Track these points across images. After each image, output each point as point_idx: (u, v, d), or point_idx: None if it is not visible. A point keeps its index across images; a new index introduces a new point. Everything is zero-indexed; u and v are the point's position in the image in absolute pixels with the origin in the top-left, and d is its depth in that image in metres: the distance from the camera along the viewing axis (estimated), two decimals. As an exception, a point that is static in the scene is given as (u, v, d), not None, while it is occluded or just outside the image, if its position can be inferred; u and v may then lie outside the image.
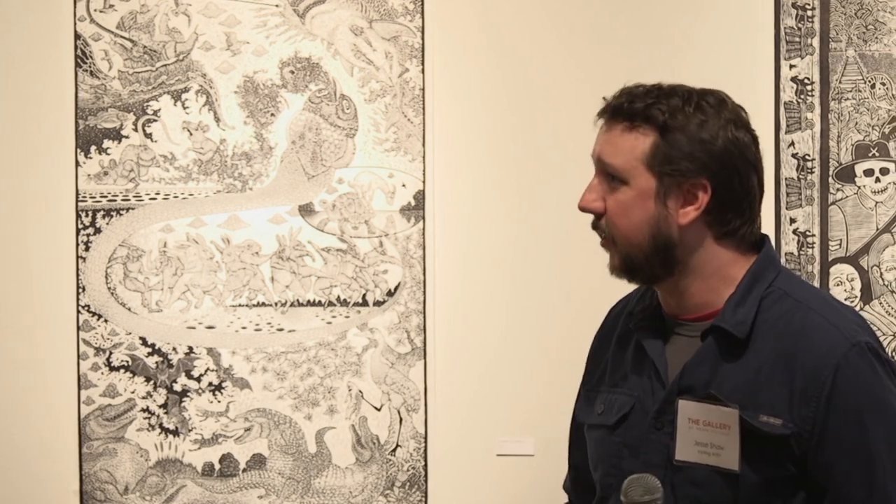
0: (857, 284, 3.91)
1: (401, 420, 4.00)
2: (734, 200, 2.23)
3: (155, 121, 4.02)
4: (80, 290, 4.01)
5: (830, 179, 3.91)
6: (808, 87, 3.91)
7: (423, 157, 4.00)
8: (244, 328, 4.01)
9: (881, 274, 3.90)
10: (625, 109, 2.22)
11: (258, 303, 4.00)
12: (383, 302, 4.01)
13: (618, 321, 2.41)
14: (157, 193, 4.02)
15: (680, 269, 2.24)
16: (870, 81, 3.90)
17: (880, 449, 2.15)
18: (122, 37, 4.02)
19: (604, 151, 2.24)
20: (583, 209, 2.26)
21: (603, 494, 2.32)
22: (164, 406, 4.02)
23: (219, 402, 4.02)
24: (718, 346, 2.21)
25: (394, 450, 4.02)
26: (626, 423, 2.28)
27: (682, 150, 2.20)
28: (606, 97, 2.28)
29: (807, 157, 3.90)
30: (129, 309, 4.02)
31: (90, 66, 4.01)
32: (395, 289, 4.01)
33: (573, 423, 2.50)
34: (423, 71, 4.00)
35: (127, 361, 4.01)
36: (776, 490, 2.18)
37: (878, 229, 3.91)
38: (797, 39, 3.91)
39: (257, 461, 4.02)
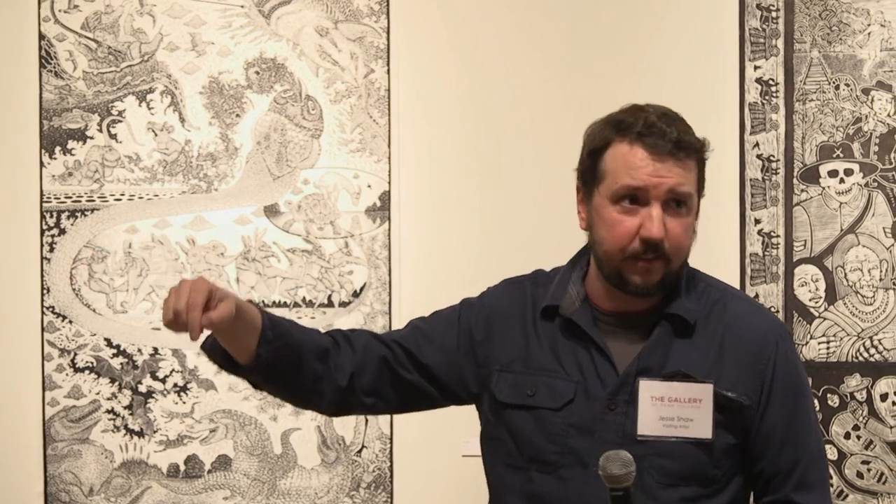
0: (822, 285, 3.92)
1: (366, 421, 4.00)
2: None
3: (120, 121, 4.01)
4: (45, 292, 4.01)
5: (795, 180, 3.92)
6: (773, 89, 3.92)
7: (389, 158, 4.00)
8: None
9: (845, 275, 3.91)
10: (691, 144, 2.45)
11: (223, 304, 3.99)
12: (349, 303, 4.01)
13: (520, 306, 2.59)
14: (122, 194, 4.02)
15: None
16: (834, 83, 3.91)
17: (808, 415, 2.53)
18: (86, 37, 4.01)
19: (679, 183, 2.42)
20: (660, 240, 2.41)
21: (541, 470, 2.50)
22: (129, 407, 4.02)
23: (184, 403, 4.01)
24: (669, 332, 2.47)
25: (359, 451, 4.02)
26: (570, 406, 2.48)
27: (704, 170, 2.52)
28: (645, 129, 2.44)
29: (771, 157, 3.91)
30: (94, 310, 4.01)
31: (55, 67, 4.01)
32: (361, 290, 4.01)
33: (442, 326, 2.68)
34: (388, 72, 4.00)
35: (92, 363, 4.01)
36: (732, 454, 2.48)
37: (842, 230, 3.92)
38: (762, 40, 3.92)
39: (223, 462, 4.02)
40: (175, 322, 2.31)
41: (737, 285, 3.87)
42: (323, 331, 2.66)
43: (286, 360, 2.49)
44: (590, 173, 2.50)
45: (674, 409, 2.42)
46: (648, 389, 2.43)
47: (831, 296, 3.92)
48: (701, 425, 2.42)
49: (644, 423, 2.43)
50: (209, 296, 2.32)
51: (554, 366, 2.51)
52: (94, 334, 4.01)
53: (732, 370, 2.46)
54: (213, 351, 2.51)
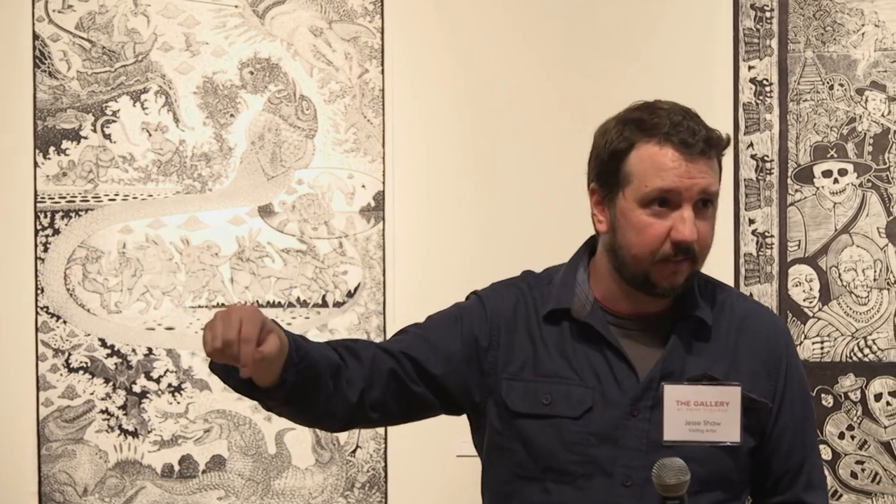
0: (816, 285, 3.92)
1: (361, 421, 4.00)
2: None
3: (114, 121, 4.01)
4: (39, 292, 4.00)
5: (789, 180, 3.92)
6: (767, 89, 3.92)
7: (383, 158, 4.00)
8: (204, 329, 3.99)
9: (839, 275, 3.92)
10: (720, 141, 2.39)
11: (218, 304, 3.99)
12: (343, 303, 4.01)
13: (523, 310, 2.50)
14: (116, 194, 4.01)
15: None
16: (828, 83, 3.91)
17: (811, 413, 2.53)
18: (80, 37, 4.01)
19: (710, 183, 2.37)
20: (692, 242, 2.36)
21: (558, 480, 2.42)
22: (123, 407, 4.01)
23: (178, 403, 4.01)
24: (687, 334, 2.42)
25: (354, 451, 4.01)
26: (589, 414, 2.40)
27: None
28: (672, 128, 2.36)
29: (765, 158, 3.92)
30: (88, 310, 4.00)
31: (49, 67, 4.00)
32: (355, 290, 4.01)
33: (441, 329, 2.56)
34: (382, 72, 4.00)
35: (86, 363, 4.00)
36: (750, 458, 2.45)
37: (836, 230, 3.92)
38: (756, 41, 3.93)
39: (217, 462, 4.02)
40: (222, 352, 2.17)
41: (731, 285, 3.87)
42: (318, 334, 2.58)
43: (308, 381, 2.34)
44: (612, 176, 2.39)
45: (700, 413, 2.36)
46: (674, 394, 2.36)
47: (825, 296, 3.92)
48: (728, 429, 2.37)
49: (670, 429, 2.36)
50: (261, 328, 2.19)
51: (567, 372, 2.43)
52: (89, 334, 4.01)
53: (750, 371, 2.42)
54: (226, 373, 2.30)
